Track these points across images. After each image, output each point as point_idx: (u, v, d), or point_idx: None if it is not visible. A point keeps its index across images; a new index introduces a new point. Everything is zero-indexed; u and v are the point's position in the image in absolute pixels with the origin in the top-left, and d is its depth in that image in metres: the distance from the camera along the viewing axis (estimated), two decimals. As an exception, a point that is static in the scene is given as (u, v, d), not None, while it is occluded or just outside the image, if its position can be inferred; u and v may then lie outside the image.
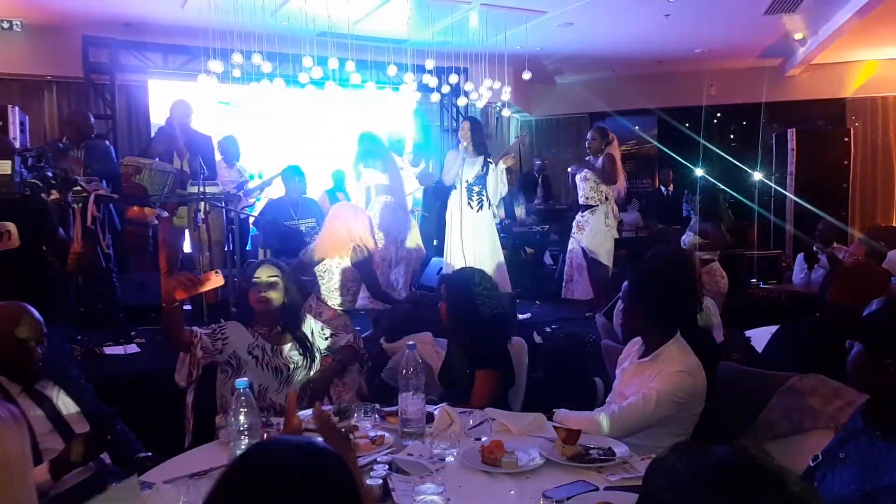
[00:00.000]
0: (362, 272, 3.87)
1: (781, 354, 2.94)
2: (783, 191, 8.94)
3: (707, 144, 9.64)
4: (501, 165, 5.76)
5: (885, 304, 1.62)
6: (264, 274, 2.87)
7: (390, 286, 5.26)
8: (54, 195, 3.98)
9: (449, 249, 5.85)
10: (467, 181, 5.69)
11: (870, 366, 1.60)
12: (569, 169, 6.33)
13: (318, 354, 2.99)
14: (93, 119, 5.69)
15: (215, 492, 1.01)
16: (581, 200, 6.10)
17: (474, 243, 5.70)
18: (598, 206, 6.00)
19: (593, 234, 5.98)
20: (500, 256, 5.83)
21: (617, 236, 6.20)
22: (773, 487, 0.86)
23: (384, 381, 3.66)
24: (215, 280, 2.69)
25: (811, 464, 1.73)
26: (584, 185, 6.04)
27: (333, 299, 3.84)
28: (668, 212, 9.04)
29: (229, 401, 2.49)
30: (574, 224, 6.17)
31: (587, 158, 6.14)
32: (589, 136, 6.10)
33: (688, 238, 5.12)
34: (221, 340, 2.78)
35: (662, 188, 10.30)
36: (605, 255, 5.98)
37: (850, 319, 1.75)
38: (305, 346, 2.93)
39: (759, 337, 3.53)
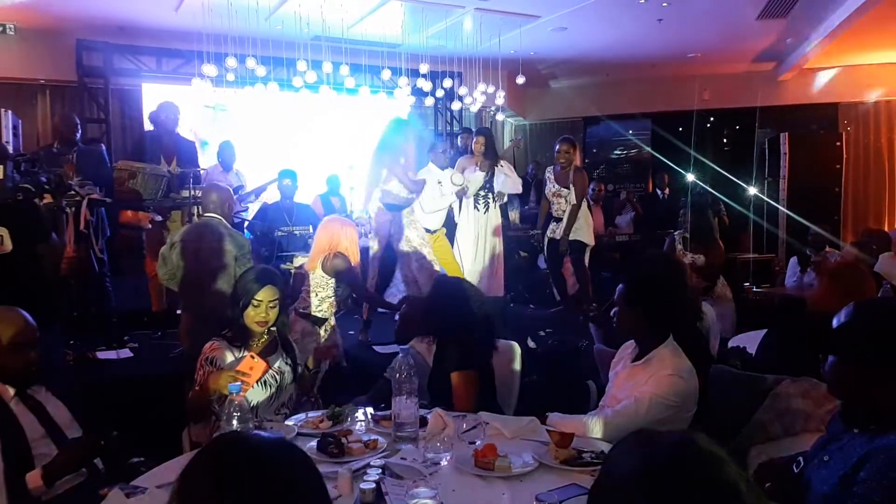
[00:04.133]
0: (345, 278, 3.92)
1: (771, 358, 2.95)
2: (774, 197, 8.97)
3: (700, 149, 9.66)
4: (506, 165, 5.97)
5: (853, 314, 1.63)
6: (267, 297, 2.75)
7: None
8: (48, 199, 3.97)
9: (458, 252, 5.99)
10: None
11: (846, 375, 1.62)
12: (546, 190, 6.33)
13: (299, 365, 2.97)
14: (78, 122, 5.60)
15: (180, 480, 1.00)
16: (554, 213, 6.16)
17: (486, 244, 5.92)
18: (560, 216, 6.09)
19: (575, 228, 6.03)
20: (500, 258, 5.94)
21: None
22: (706, 474, 0.88)
23: (388, 380, 3.65)
24: (258, 367, 2.52)
25: (794, 469, 1.74)
26: (559, 199, 6.09)
27: (315, 304, 3.89)
28: (665, 216, 8.99)
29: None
30: (548, 233, 6.22)
31: (551, 167, 6.23)
32: (562, 148, 6.07)
33: (691, 259, 5.08)
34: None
35: (658, 191, 10.26)
36: (587, 237, 6.07)
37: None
38: (293, 355, 2.91)
39: (749, 341, 3.55)
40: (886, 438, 1.50)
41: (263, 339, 2.82)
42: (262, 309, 2.74)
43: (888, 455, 1.45)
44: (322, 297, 3.92)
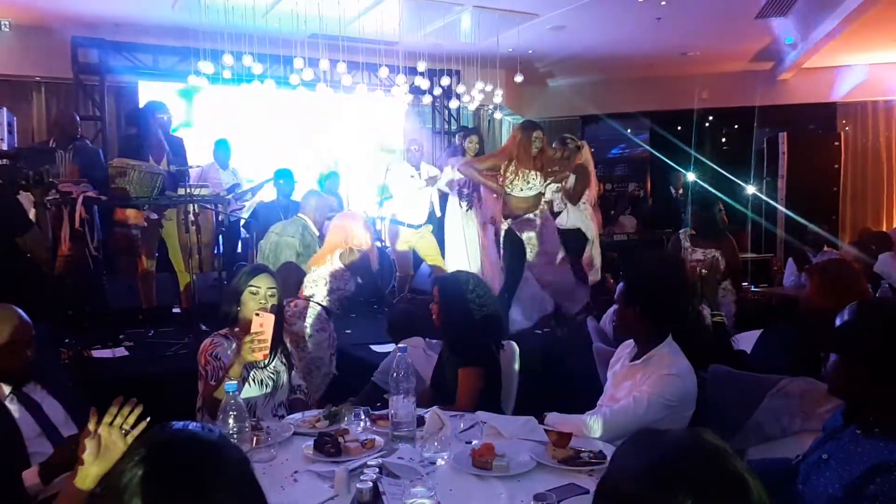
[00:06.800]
0: (358, 272, 3.93)
1: (765, 357, 2.95)
2: (773, 198, 8.97)
3: (698, 148, 9.66)
4: None
5: (856, 313, 1.62)
6: (264, 284, 2.74)
7: None
8: (28, 195, 3.97)
9: (451, 250, 6.06)
10: (459, 185, 6.00)
11: (846, 374, 1.61)
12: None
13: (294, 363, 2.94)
14: (78, 120, 5.60)
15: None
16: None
17: (473, 242, 5.90)
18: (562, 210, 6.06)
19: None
20: (491, 255, 5.93)
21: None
22: (712, 466, 0.89)
23: (375, 383, 3.65)
24: (268, 320, 2.52)
25: (793, 463, 1.73)
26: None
27: (334, 299, 3.90)
28: (679, 216, 8.87)
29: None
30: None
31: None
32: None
33: (702, 254, 4.95)
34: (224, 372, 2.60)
35: (672, 190, 10.14)
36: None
37: (827, 320, 1.75)
38: (289, 355, 2.89)
39: (747, 340, 3.54)
40: None
41: None
42: (260, 296, 2.72)
43: None
44: (339, 293, 3.91)
